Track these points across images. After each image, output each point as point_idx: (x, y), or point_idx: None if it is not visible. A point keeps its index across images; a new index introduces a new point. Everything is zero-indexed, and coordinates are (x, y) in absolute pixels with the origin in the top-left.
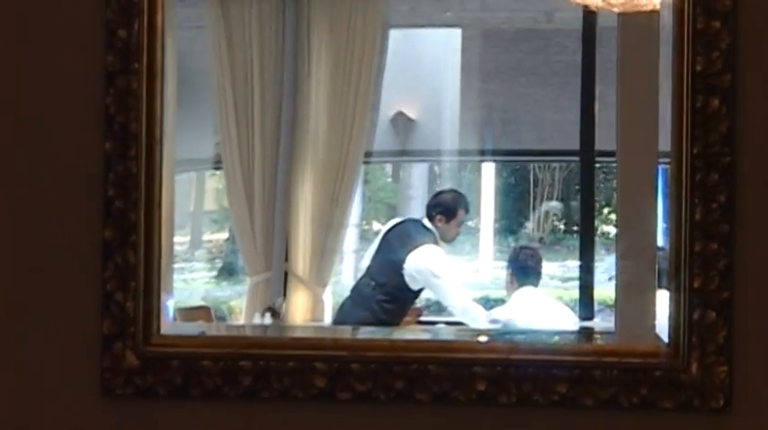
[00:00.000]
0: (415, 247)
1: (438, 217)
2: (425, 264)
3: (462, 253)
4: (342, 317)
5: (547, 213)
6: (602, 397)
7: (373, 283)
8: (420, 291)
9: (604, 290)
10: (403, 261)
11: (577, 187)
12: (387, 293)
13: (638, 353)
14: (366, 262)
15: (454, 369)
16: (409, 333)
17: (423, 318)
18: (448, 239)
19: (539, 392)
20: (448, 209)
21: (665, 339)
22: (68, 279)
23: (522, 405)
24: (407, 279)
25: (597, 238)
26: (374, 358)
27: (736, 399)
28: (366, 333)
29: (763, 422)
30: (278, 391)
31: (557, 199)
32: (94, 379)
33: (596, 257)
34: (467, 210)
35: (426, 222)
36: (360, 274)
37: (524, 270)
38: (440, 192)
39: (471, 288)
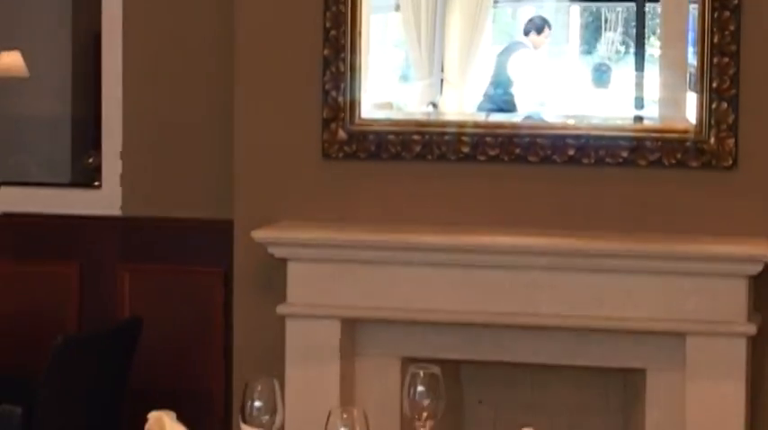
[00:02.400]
0: (514, 52)
1: (531, 33)
2: (519, 63)
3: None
4: (482, 104)
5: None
6: (651, 158)
7: (495, 82)
8: None
9: (653, 89)
10: (507, 60)
11: (633, 23)
12: (502, 90)
13: (675, 130)
14: (492, 70)
15: (553, 140)
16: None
17: None
18: (537, 47)
19: (609, 155)
20: (538, 27)
21: (693, 121)
22: (301, 83)
23: (598, 164)
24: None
25: (646, 56)
26: (501, 133)
27: (740, 161)
28: (495, 117)
29: (757, 176)
30: (437, 155)
31: (612, 30)
32: (318, 147)
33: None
34: (550, 27)
35: (523, 39)
36: (490, 78)
37: (599, 77)
38: (531, 18)
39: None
